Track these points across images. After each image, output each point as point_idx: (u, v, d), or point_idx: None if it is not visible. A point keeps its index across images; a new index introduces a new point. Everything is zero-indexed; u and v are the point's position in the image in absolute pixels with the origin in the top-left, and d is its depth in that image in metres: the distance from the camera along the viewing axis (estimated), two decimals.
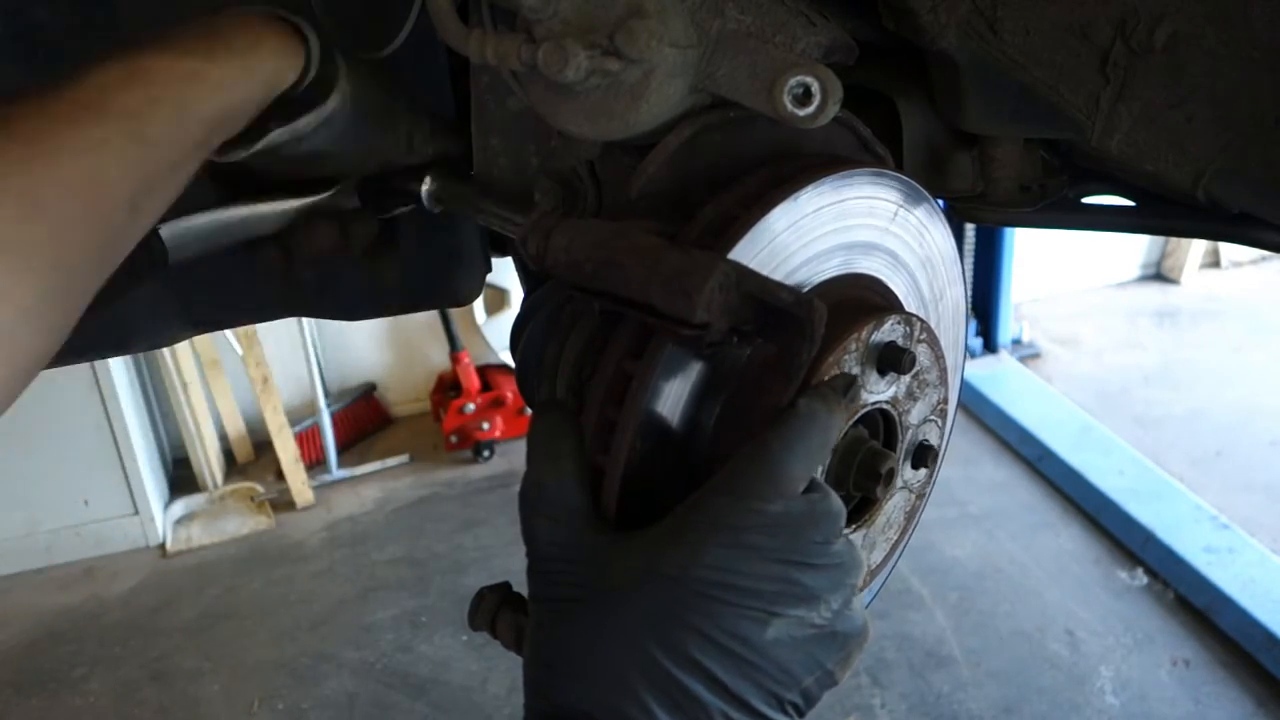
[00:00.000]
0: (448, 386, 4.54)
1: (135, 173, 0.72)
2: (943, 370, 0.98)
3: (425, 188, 1.11)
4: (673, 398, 0.83)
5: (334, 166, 1.06)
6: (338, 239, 1.12)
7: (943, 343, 0.99)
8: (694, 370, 0.83)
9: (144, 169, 0.73)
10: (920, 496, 1.03)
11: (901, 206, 0.95)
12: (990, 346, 4.75)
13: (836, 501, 0.70)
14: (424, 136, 1.11)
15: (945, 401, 1.00)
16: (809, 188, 0.86)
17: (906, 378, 0.93)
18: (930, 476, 1.04)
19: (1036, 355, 4.89)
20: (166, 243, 0.98)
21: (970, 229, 4.51)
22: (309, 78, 0.93)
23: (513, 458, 4.37)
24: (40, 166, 0.65)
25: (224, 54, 0.82)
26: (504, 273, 3.93)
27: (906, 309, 0.99)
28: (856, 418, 0.90)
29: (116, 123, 0.72)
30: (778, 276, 0.86)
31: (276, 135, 0.94)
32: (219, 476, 4.32)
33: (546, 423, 0.76)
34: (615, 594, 0.66)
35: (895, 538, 1.01)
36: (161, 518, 4.06)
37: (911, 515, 1.02)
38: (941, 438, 1.02)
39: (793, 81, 0.83)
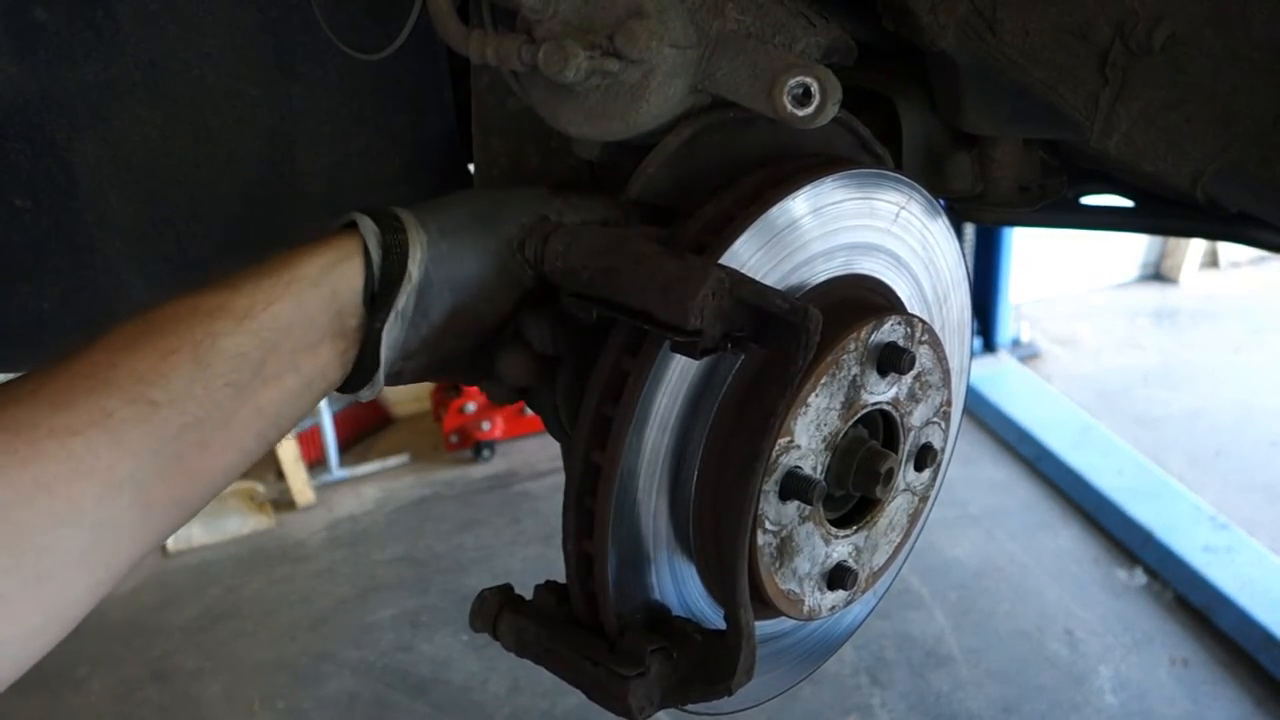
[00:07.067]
0: (448, 386, 4.53)
1: (141, 443, 0.69)
2: (946, 373, 0.97)
3: None
4: (668, 396, 0.83)
5: (492, 309, 0.90)
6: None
7: (947, 346, 0.98)
8: (690, 369, 0.83)
9: (155, 435, 0.70)
10: (924, 500, 1.02)
11: (903, 208, 0.95)
12: (990, 346, 4.74)
13: None
14: (534, 249, 0.90)
15: (949, 404, 1.00)
16: (808, 188, 0.86)
17: (908, 379, 0.93)
18: (934, 479, 1.03)
19: (1036, 355, 4.89)
20: None
21: (970, 229, 4.50)
22: (375, 266, 0.83)
23: (512, 458, 4.37)
24: (16, 468, 0.63)
25: (252, 280, 0.78)
26: None
27: (909, 310, 0.98)
28: (857, 417, 0.90)
29: (121, 391, 0.69)
30: (776, 276, 0.86)
31: (390, 331, 0.84)
32: None
33: None
34: None
35: (898, 540, 1.01)
36: None
37: (915, 518, 1.02)
38: (945, 440, 1.02)
39: (792, 82, 0.83)
